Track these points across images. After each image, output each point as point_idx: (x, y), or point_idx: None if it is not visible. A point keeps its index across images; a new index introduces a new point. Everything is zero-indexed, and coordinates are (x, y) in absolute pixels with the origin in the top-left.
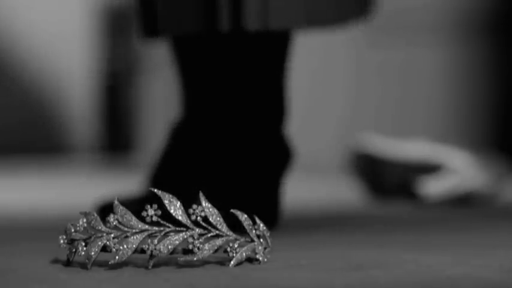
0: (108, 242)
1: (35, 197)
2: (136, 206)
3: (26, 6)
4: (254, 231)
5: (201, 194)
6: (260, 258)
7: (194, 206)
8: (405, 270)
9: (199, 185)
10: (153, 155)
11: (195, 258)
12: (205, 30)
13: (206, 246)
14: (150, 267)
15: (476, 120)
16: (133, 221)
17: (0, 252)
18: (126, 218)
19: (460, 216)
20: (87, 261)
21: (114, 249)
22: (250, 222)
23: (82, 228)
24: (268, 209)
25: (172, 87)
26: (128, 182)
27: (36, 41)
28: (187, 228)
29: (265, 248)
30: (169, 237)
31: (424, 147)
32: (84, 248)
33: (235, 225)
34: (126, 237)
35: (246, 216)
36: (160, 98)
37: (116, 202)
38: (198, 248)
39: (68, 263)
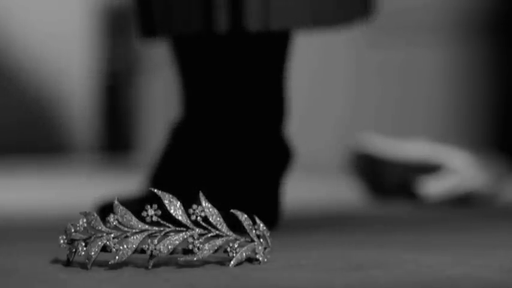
0: (108, 242)
1: (35, 197)
2: (136, 206)
3: (26, 6)
4: (254, 231)
5: (201, 194)
6: (260, 258)
7: (194, 206)
8: (405, 270)
9: (199, 185)
10: (153, 155)
11: (195, 258)
12: (204, 31)
13: (206, 246)
14: (150, 267)
15: (476, 120)
16: (133, 221)
17: (0, 252)
18: (126, 218)
19: (460, 216)
20: (87, 261)
21: (114, 249)
22: (250, 222)
23: (82, 228)
24: (268, 209)
25: (172, 87)
26: (128, 182)
27: (36, 41)
28: (187, 228)
29: (265, 248)
30: (169, 237)
31: (424, 147)
32: (84, 248)
33: (235, 225)
34: (126, 237)
35: (246, 216)
36: (160, 98)
37: (116, 202)
38: (198, 248)
39: (68, 263)
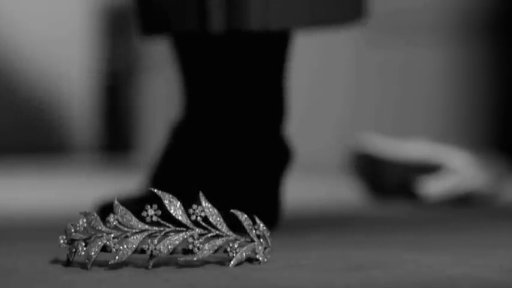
0: (108, 242)
1: (35, 197)
2: (136, 206)
3: (26, 6)
4: (254, 231)
5: (201, 194)
6: (260, 258)
7: (194, 206)
8: (405, 270)
9: (199, 185)
10: (153, 155)
11: (195, 258)
12: (199, 30)
13: (206, 246)
14: (150, 267)
15: (476, 120)
16: (134, 221)
17: (0, 252)
18: (126, 218)
19: (460, 216)
20: (87, 261)
21: (114, 249)
22: (250, 222)
23: (82, 228)
24: (268, 209)
25: (172, 86)
26: (128, 182)
27: (36, 41)
28: (187, 228)
29: (265, 248)
30: (169, 237)
31: (424, 147)
32: (84, 248)
33: (235, 225)
34: (126, 237)
35: (246, 216)
36: (160, 98)
37: (116, 202)
38: (198, 248)
39: (68, 263)
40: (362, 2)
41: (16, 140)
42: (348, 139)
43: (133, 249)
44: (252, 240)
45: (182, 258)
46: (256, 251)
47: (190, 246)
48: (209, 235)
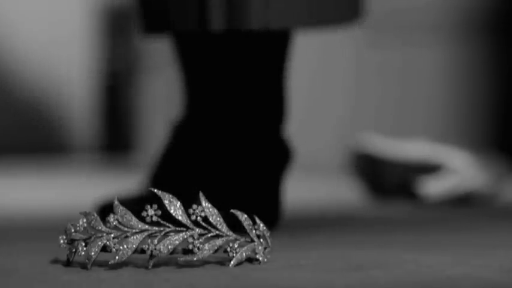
0: (108, 242)
1: (35, 197)
2: (136, 206)
3: (27, 6)
4: (254, 231)
5: (201, 194)
6: (260, 258)
7: (194, 206)
8: (405, 270)
9: (199, 185)
10: (153, 155)
11: (195, 258)
12: (198, 29)
13: (206, 246)
14: (150, 267)
15: (476, 120)
16: (134, 221)
17: (0, 252)
18: (126, 218)
19: (460, 216)
20: (87, 261)
21: (114, 249)
22: (250, 222)
23: (82, 228)
24: (268, 209)
25: (172, 87)
26: (128, 182)
27: (36, 42)
28: (187, 228)
29: (265, 248)
30: (169, 237)
31: (424, 147)
32: (84, 248)
33: (235, 225)
34: (126, 237)
35: (246, 216)
36: (160, 98)
37: (116, 202)
38: (198, 248)
39: (68, 263)
40: (359, 2)
41: (16, 140)
42: (348, 139)
43: (133, 249)
44: (252, 240)
45: (182, 258)
46: (256, 251)
47: (190, 246)
48: (209, 235)
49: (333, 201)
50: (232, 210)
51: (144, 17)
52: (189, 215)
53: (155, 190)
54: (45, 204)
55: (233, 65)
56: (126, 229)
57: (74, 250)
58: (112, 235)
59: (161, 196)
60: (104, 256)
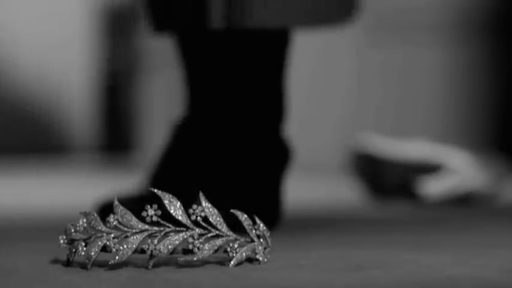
0: (108, 242)
1: (35, 197)
2: (136, 206)
3: (27, 6)
4: (254, 231)
5: (201, 194)
6: (260, 258)
7: (194, 206)
8: (405, 270)
9: (199, 185)
10: (153, 155)
11: (195, 258)
12: (197, 28)
13: (206, 246)
14: (150, 267)
15: (476, 120)
16: (134, 221)
17: (0, 252)
18: (126, 218)
19: (460, 216)
20: (87, 261)
21: (114, 249)
22: (250, 222)
23: (82, 228)
24: (268, 208)
25: (172, 87)
26: (128, 182)
27: (36, 42)
28: (187, 228)
29: (265, 248)
30: (169, 237)
31: (424, 147)
32: (84, 248)
33: (235, 225)
34: (126, 237)
35: (246, 216)
36: (160, 98)
37: (116, 202)
38: (198, 248)
39: (68, 263)
40: (354, 2)
41: (16, 140)
42: (348, 139)
43: (133, 249)
44: (252, 240)
45: (182, 258)
46: (256, 251)
47: (190, 246)
48: (209, 235)
49: (332, 201)
50: (232, 210)
51: (149, 17)
52: (189, 215)
53: (155, 190)
54: (45, 204)
55: (233, 65)
56: (126, 229)
57: (74, 250)
58: (112, 235)
59: (161, 196)
60: (104, 256)
